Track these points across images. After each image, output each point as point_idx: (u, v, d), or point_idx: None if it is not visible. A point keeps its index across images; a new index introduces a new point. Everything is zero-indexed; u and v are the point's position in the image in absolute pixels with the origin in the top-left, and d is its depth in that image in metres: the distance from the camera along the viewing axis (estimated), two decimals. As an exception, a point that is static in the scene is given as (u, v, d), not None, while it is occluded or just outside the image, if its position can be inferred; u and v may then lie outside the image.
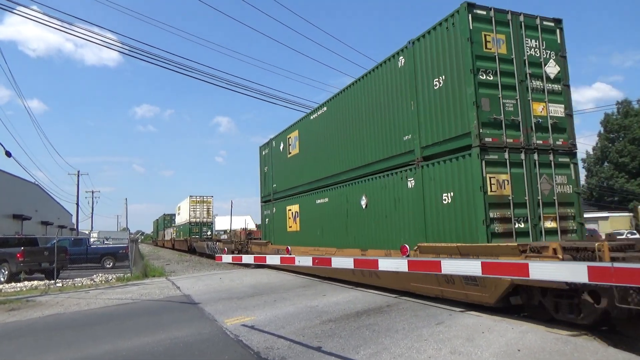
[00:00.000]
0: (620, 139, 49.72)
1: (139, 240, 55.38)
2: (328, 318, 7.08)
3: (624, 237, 17.15)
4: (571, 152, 7.93)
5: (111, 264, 21.55)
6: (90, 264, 21.23)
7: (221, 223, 48.17)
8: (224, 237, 30.29)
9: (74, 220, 49.39)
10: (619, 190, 47.25)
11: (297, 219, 14.49)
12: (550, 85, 7.91)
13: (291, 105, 46.62)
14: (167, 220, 51.69)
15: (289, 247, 14.53)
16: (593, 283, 3.64)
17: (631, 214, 40.99)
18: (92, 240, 27.67)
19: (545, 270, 3.26)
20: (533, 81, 7.78)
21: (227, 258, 9.04)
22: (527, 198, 7.34)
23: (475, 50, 7.37)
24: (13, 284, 13.78)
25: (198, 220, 37.37)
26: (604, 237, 7.19)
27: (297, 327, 6.57)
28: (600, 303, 5.31)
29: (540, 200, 7.44)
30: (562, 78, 8.06)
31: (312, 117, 13.63)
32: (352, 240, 10.90)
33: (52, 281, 13.90)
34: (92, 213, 56.37)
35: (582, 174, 51.76)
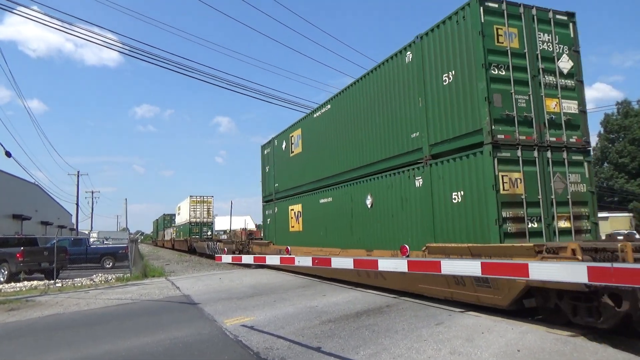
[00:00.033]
0: (620, 139, 49.54)
1: (139, 241, 55.14)
2: (328, 318, 7.04)
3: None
4: (585, 150, 7.70)
5: (111, 264, 21.47)
6: (90, 264, 21.15)
7: (221, 223, 47.99)
8: (224, 237, 30.07)
9: (73, 220, 49.20)
10: (619, 191, 47.02)
11: (300, 219, 14.25)
12: (563, 80, 7.68)
13: (291, 105, 46.59)
14: (167, 220, 51.48)
15: (289, 247, 14.32)
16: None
17: (631, 214, 40.79)
18: (91, 240, 27.61)
19: (545, 271, 3.18)
20: (546, 76, 7.54)
21: (227, 258, 8.93)
22: (540, 197, 7.10)
23: (486, 44, 7.13)
24: (13, 284, 13.71)
25: (198, 220, 37.15)
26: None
27: (296, 327, 6.52)
28: (622, 306, 5.07)
29: (553, 200, 7.20)
30: (576, 73, 7.82)
31: (315, 116, 13.39)
32: (357, 241, 10.66)
33: (52, 281, 13.84)
34: (91, 213, 56.22)
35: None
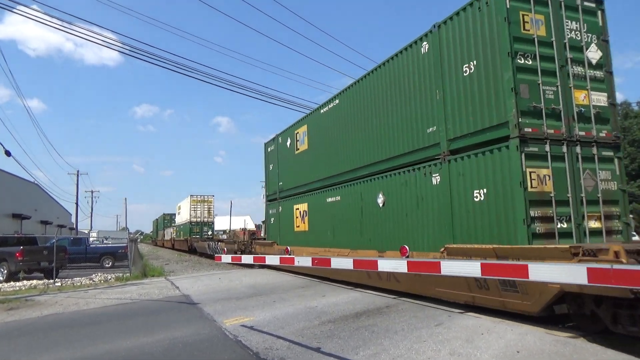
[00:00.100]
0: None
1: (138, 240, 54.70)
2: (327, 319, 7.00)
3: None
4: (615, 146, 7.23)
5: (110, 263, 21.40)
6: (90, 264, 21.10)
7: (220, 223, 47.49)
8: (224, 237, 29.63)
9: (73, 219, 48.78)
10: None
11: (306, 219, 13.78)
12: (592, 71, 7.20)
13: (290, 105, 46.15)
14: (167, 220, 51.05)
15: (289, 248, 13.89)
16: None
17: (631, 216, 40.30)
18: (91, 239, 27.45)
19: (545, 272, 3.18)
20: (574, 67, 7.07)
21: (226, 258, 8.78)
22: (569, 195, 6.62)
23: (512, 31, 6.66)
24: (12, 283, 13.64)
25: (199, 220, 36.73)
26: None
27: (296, 327, 6.50)
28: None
29: (583, 198, 6.72)
30: (605, 64, 7.35)
31: (322, 111, 12.91)
32: (367, 241, 10.18)
33: (51, 280, 13.75)
34: (91, 213, 55.81)
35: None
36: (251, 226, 52.61)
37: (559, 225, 6.48)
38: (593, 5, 7.44)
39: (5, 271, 14.69)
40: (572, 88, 6.98)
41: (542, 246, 5.79)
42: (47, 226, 43.54)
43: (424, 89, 8.47)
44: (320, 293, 9.82)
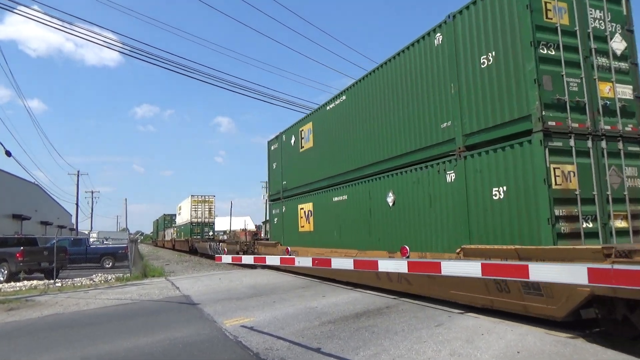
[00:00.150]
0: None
1: (139, 241, 54.40)
2: (327, 319, 6.99)
3: None
4: (642, 141, 6.86)
5: (110, 264, 21.29)
6: (90, 264, 21.04)
7: (220, 224, 47.15)
8: (224, 237, 29.31)
9: (73, 220, 48.50)
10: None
11: (311, 219, 13.41)
12: (617, 63, 6.84)
13: (290, 105, 45.93)
14: (167, 220, 50.77)
15: (289, 248, 13.52)
16: None
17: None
18: (91, 240, 27.36)
19: (545, 272, 3.16)
20: (598, 58, 6.71)
21: (227, 258, 8.64)
22: (595, 193, 6.26)
23: (535, 19, 6.30)
24: (12, 283, 13.61)
25: (200, 220, 36.39)
26: None
27: (296, 328, 6.49)
28: None
29: (609, 196, 6.36)
30: (630, 55, 6.99)
31: (328, 108, 12.55)
32: (376, 242, 9.82)
33: (52, 281, 13.71)
34: (91, 213, 55.52)
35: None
36: (251, 227, 52.31)
37: (584, 225, 6.12)
38: (617, -7, 7.08)
39: (6, 271, 14.68)
40: (597, 80, 6.62)
41: (571, 247, 5.43)
42: (48, 227, 43.25)
43: (437, 83, 8.11)
44: (320, 293, 9.75)
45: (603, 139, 6.49)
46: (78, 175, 46.20)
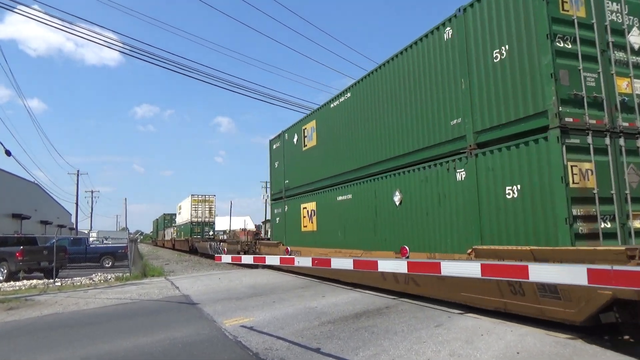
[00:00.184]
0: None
1: (138, 240, 54.16)
2: (327, 319, 6.97)
3: None
4: (660, 138, 6.61)
5: (110, 263, 21.15)
6: (90, 264, 20.92)
7: (220, 223, 46.94)
8: (224, 237, 29.10)
9: (73, 219, 48.27)
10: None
11: (314, 218, 13.18)
12: (634, 57, 6.60)
13: (290, 106, 45.78)
14: (167, 220, 50.57)
15: (289, 248, 13.34)
16: None
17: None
18: (91, 239, 27.11)
19: (545, 273, 3.20)
20: (615, 52, 6.47)
21: (226, 258, 8.60)
22: (613, 192, 6.02)
23: (550, 11, 6.06)
24: (12, 282, 13.56)
25: (200, 219, 36.19)
26: None
27: (296, 328, 6.47)
28: None
29: (628, 195, 6.12)
30: (648, 50, 6.75)
31: (332, 106, 12.31)
32: (382, 242, 9.58)
33: (51, 280, 13.65)
34: (91, 213, 55.32)
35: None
36: (251, 226, 52.08)
37: (602, 225, 5.89)
38: (634, -15, 6.84)
39: (5, 271, 14.61)
40: (614, 75, 6.38)
41: (592, 248, 5.18)
42: (47, 226, 43.11)
43: (447, 78, 7.87)
44: (320, 293, 9.71)
45: (621, 136, 6.25)
46: (78, 175, 45.97)
